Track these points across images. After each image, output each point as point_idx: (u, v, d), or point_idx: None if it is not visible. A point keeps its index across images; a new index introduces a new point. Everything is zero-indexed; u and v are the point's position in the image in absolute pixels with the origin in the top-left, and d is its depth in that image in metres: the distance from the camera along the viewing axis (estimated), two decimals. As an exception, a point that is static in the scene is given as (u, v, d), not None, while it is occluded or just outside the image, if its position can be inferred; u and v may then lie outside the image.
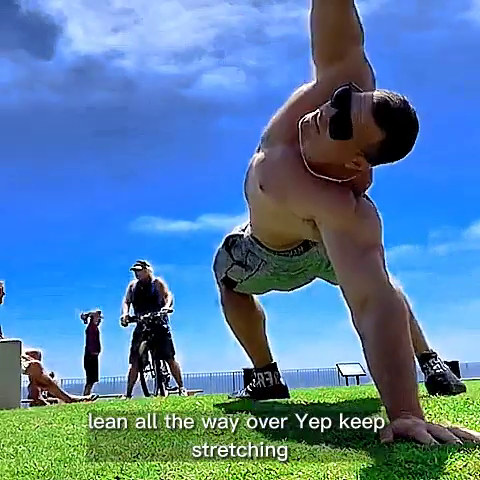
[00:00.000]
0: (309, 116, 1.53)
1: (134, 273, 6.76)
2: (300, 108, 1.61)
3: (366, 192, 1.66)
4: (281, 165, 1.65)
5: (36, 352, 5.21)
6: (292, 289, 2.33)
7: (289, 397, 2.44)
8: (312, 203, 1.59)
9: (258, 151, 1.80)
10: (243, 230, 2.24)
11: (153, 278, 6.73)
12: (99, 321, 9.35)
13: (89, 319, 9.37)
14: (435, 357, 2.34)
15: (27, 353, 4.81)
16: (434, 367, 2.32)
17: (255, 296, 2.49)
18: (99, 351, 9.35)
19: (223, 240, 2.32)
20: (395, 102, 1.41)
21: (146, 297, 6.58)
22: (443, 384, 2.25)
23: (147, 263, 6.79)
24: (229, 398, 2.57)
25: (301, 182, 1.60)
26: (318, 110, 1.51)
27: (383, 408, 1.83)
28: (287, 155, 1.63)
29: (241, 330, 2.47)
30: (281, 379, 2.50)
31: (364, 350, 1.42)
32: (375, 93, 1.45)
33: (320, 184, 1.58)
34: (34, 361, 5.06)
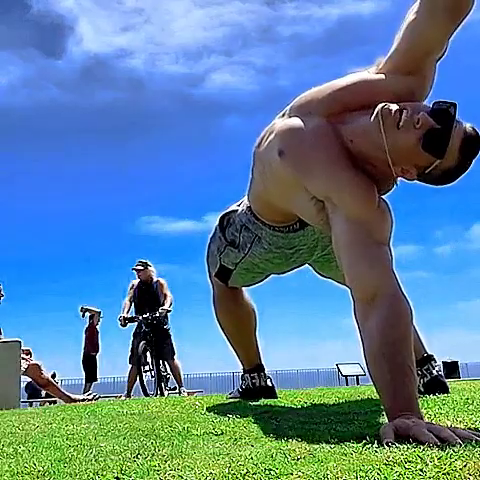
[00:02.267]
0: (394, 107, 1.48)
1: (135, 273, 6.76)
2: (354, 92, 1.59)
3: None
4: (314, 136, 1.59)
5: (28, 350, 5.21)
6: (284, 272, 2.30)
7: (276, 397, 2.46)
8: (336, 183, 1.54)
9: (283, 116, 1.73)
10: (238, 205, 2.21)
11: (154, 278, 6.73)
12: (98, 321, 9.35)
13: (88, 319, 9.36)
14: (434, 360, 2.37)
15: (22, 350, 4.80)
16: (436, 368, 2.35)
17: (247, 295, 2.49)
18: (97, 351, 9.35)
19: (218, 220, 2.29)
20: (478, 139, 1.48)
21: (147, 297, 6.58)
22: (445, 385, 2.30)
23: (149, 263, 6.78)
24: (226, 398, 2.59)
25: (332, 158, 1.55)
26: (408, 108, 1.47)
27: (382, 409, 1.83)
28: (324, 128, 1.58)
29: (231, 333, 2.49)
30: (268, 380, 2.52)
31: (365, 344, 1.40)
32: (467, 124, 1.48)
33: (350, 168, 1.54)
34: (34, 362, 5.05)
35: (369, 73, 1.63)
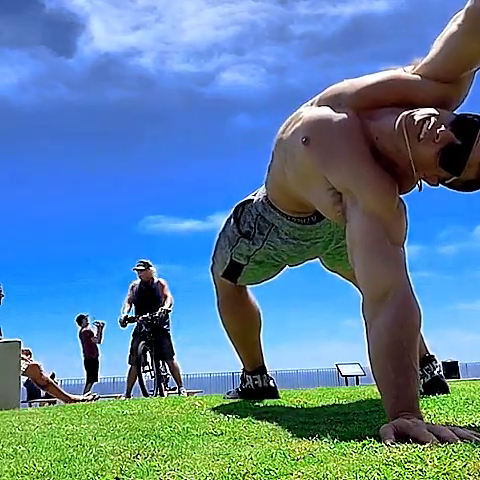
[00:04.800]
0: (418, 117, 1.45)
1: (137, 273, 6.75)
2: (388, 89, 1.58)
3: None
4: (342, 127, 1.57)
5: (28, 351, 5.20)
6: (297, 264, 2.28)
7: (279, 397, 2.45)
8: (358, 177, 1.53)
9: (311, 105, 1.71)
10: (254, 195, 2.17)
11: (156, 279, 6.72)
12: (102, 333, 9.22)
13: (80, 325, 9.32)
14: (435, 360, 2.38)
15: (22, 351, 4.80)
16: (437, 369, 2.36)
17: (252, 296, 2.47)
18: (97, 354, 9.31)
19: (232, 210, 2.24)
20: None
21: (148, 298, 6.57)
22: (446, 386, 2.31)
23: (150, 263, 6.77)
24: (224, 398, 2.58)
25: (357, 152, 1.54)
26: (433, 118, 1.44)
27: (381, 409, 1.83)
28: (353, 121, 1.57)
29: (236, 333, 2.46)
30: (271, 381, 2.50)
31: (370, 342, 1.39)
32: None
33: (374, 164, 1.53)
34: (33, 362, 5.05)
35: (405, 72, 1.61)
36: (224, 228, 2.28)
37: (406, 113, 1.48)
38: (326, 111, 1.62)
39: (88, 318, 9.36)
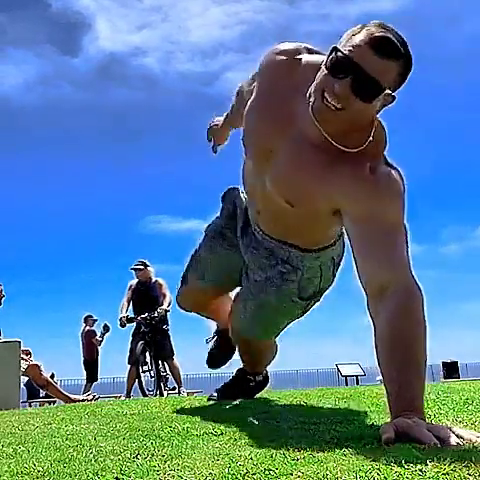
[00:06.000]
0: (318, 97, 1.42)
1: (134, 273, 6.74)
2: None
3: (386, 156, 1.54)
4: (298, 174, 1.58)
5: (28, 351, 5.20)
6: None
7: (223, 363, 2.60)
8: (330, 196, 1.52)
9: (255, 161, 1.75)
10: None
11: (153, 278, 6.71)
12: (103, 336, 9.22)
13: (86, 324, 9.32)
14: None
15: (22, 351, 4.80)
16: None
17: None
18: (97, 355, 9.29)
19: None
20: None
21: (146, 297, 6.57)
22: None
23: (147, 263, 6.76)
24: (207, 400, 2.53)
25: (317, 179, 1.53)
26: (319, 89, 1.42)
27: (381, 409, 1.83)
28: (297, 158, 1.57)
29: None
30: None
31: (375, 339, 1.37)
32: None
33: (333, 170, 1.49)
34: (33, 362, 5.05)
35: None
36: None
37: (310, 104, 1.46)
38: (277, 168, 1.65)
39: (93, 320, 9.34)
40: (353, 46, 1.36)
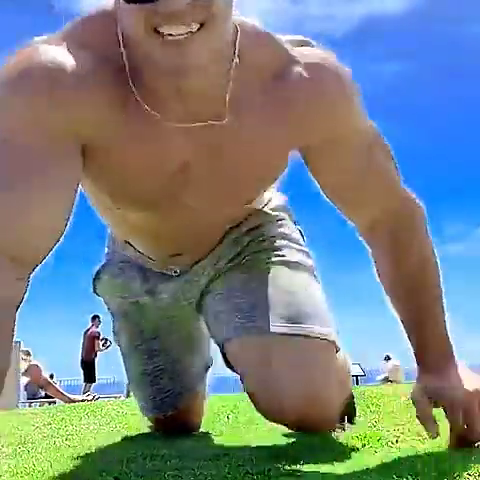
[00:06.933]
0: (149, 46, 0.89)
1: None
2: None
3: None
4: None
5: (27, 351, 5.21)
6: None
7: None
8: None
9: None
10: None
11: None
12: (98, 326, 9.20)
13: (92, 324, 9.28)
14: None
15: (21, 351, 4.81)
16: None
17: None
18: (96, 356, 9.26)
19: None
20: None
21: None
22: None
23: None
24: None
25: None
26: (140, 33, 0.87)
27: (381, 409, 1.83)
28: None
29: None
30: None
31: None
32: None
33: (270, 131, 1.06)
34: (33, 363, 5.06)
35: None
36: None
37: None
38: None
39: (99, 321, 9.29)
40: None
